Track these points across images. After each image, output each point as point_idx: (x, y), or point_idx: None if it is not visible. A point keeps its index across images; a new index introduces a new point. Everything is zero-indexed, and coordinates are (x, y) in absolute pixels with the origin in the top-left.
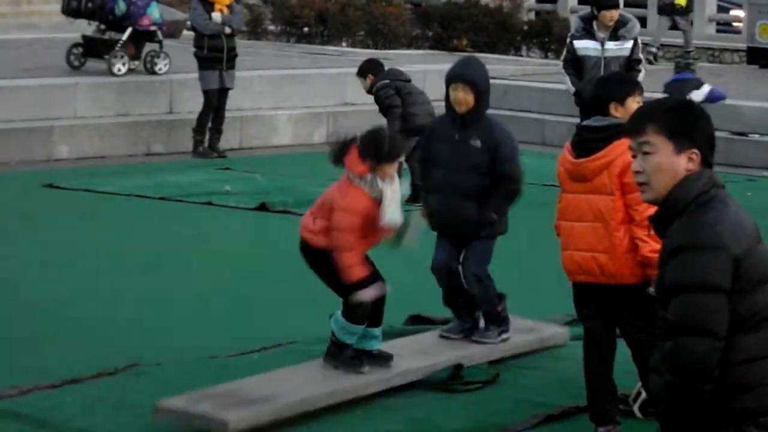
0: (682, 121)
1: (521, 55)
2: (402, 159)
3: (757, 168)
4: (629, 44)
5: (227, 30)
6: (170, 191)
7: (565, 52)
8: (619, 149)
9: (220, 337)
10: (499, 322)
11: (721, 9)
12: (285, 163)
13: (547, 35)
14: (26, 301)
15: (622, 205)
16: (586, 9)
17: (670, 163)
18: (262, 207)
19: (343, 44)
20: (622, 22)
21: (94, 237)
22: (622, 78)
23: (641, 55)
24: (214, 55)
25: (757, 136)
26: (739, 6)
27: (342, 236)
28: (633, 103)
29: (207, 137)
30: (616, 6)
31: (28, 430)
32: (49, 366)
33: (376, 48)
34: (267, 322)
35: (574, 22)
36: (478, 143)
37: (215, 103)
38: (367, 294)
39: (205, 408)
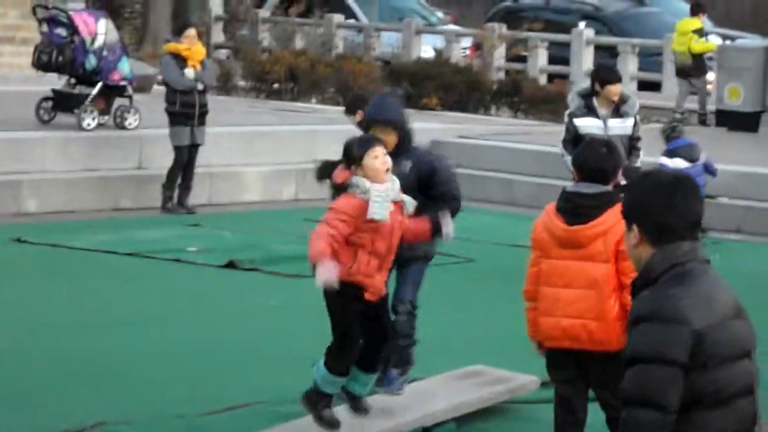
0: (626, 203)
1: (491, 114)
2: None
3: (725, 231)
4: (631, 121)
5: (200, 86)
6: (138, 247)
7: (565, 132)
8: (617, 217)
9: (187, 395)
10: (405, 363)
11: None
12: (254, 220)
13: (516, 95)
14: None
15: (615, 273)
16: (583, 85)
17: (627, 245)
18: (231, 264)
19: (313, 101)
20: (622, 99)
21: (62, 293)
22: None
23: (640, 133)
24: (187, 111)
25: (725, 199)
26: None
27: (319, 226)
28: None
29: (176, 193)
30: (620, 80)
31: None
32: (14, 424)
33: None
34: (235, 381)
35: (573, 99)
36: (408, 165)
37: (185, 159)
38: (319, 272)
39: None
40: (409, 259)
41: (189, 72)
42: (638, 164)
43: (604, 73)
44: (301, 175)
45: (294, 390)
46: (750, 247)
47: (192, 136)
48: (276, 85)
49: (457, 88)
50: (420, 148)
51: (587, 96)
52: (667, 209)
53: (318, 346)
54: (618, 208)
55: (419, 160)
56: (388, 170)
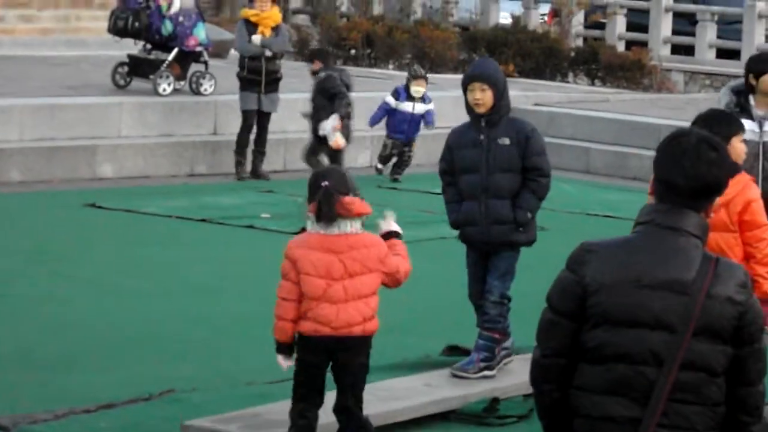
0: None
1: (568, 82)
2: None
3: None
4: None
5: (267, 53)
6: (212, 213)
7: None
8: (738, 187)
9: (257, 362)
10: (490, 356)
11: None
12: None
13: (594, 62)
14: (64, 321)
15: (741, 242)
16: (738, 80)
17: None
18: (304, 231)
19: (390, 67)
20: None
21: (135, 259)
22: (727, 116)
23: None
24: (253, 77)
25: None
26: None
27: None
28: (737, 142)
29: (250, 160)
30: None
31: None
32: (84, 388)
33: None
34: None
35: (724, 95)
36: (506, 141)
37: (252, 124)
38: None
39: (231, 429)
40: (507, 244)
41: (255, 38)
42: None
43: (760, 63)
44: (375, 142)
45: (371, 361)
46: None
47: (259, 102)
48: (353, 51)
49: (534, 55)
50: (513, 117)
51: (742, 93)
52: (673, 168)
53: (397, 316)
54: (738, 178)
55: (514, 132)
56: None
